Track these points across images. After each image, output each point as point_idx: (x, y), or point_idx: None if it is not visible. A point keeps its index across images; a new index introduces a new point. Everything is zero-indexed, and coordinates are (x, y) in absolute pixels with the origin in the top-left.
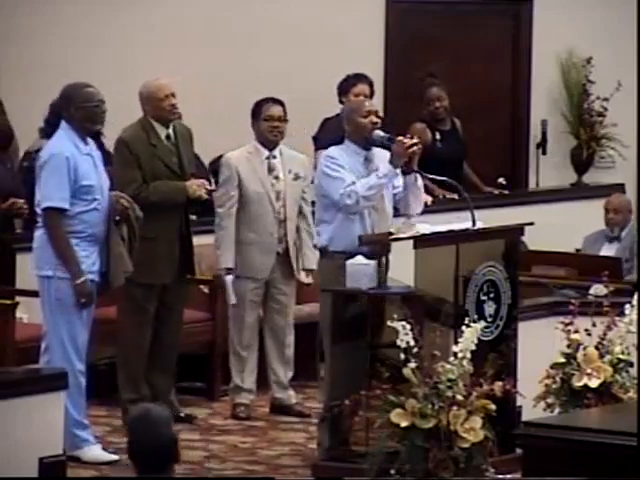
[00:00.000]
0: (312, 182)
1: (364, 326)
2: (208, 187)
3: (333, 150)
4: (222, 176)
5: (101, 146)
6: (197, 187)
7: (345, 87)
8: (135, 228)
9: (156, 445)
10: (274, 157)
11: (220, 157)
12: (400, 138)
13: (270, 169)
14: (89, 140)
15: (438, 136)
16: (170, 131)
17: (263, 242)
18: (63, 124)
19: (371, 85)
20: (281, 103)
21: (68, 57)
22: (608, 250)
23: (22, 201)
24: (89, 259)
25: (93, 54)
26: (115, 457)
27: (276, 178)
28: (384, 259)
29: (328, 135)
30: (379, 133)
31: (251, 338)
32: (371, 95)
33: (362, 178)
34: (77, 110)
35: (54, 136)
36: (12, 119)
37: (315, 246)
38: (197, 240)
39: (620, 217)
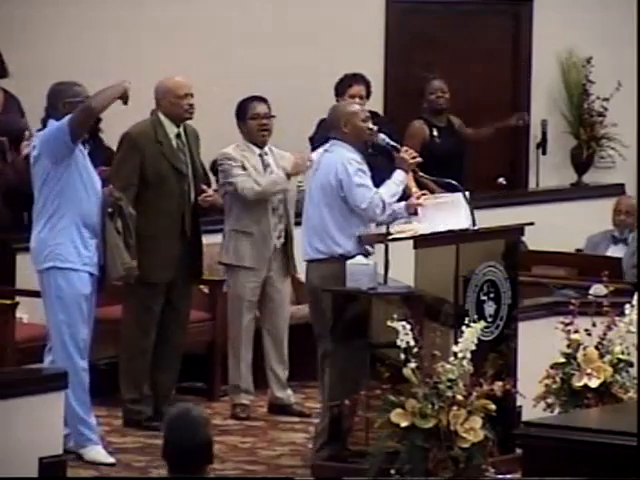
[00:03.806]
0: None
1: (364, 326)
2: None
3: (349, 152)
4: (229, 166)
5: (100, 144)
6: None
7: (341, 88)
8: (129, 223)
9: (193, 445)
10: (266, 154)
11: None
12: (405, 149)
13: (264, 165)
14: None
15: (435, 132)
16: (181, 130)
17: (262, 235)
18: (52, 123)
19: (368, 86)
20: (265, 100)
21: (68, 58)
22: (614, 252)
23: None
24: (89, 252)
25: (94, 54)
26: (112, 460)
27: (271, 174)
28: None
29: (325, 135)
30: (384, 138)
31: (247, 338)
32: (368, 96)
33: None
34: (65, 106)
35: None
36: None
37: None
38: None
39: (631, 219)
